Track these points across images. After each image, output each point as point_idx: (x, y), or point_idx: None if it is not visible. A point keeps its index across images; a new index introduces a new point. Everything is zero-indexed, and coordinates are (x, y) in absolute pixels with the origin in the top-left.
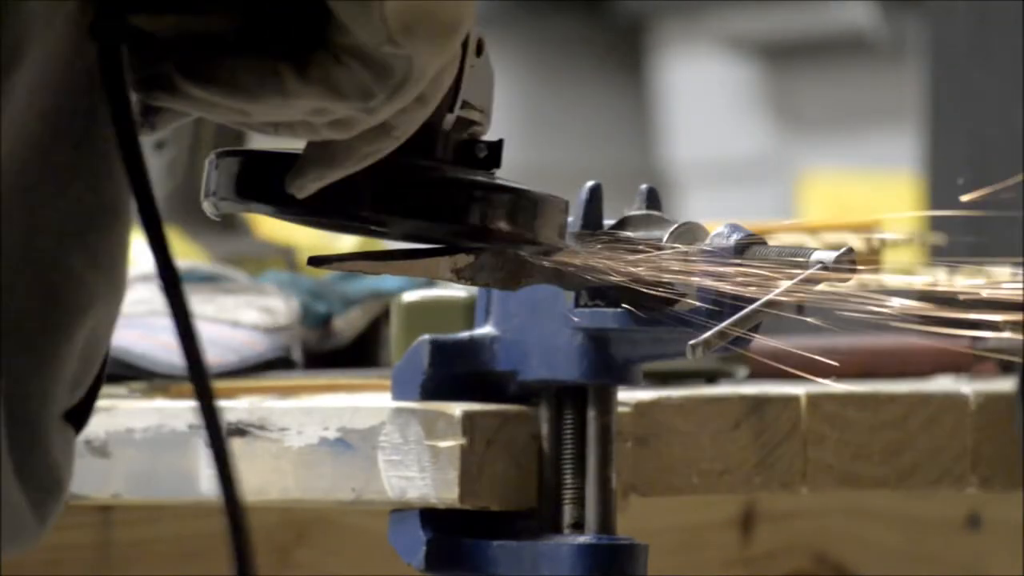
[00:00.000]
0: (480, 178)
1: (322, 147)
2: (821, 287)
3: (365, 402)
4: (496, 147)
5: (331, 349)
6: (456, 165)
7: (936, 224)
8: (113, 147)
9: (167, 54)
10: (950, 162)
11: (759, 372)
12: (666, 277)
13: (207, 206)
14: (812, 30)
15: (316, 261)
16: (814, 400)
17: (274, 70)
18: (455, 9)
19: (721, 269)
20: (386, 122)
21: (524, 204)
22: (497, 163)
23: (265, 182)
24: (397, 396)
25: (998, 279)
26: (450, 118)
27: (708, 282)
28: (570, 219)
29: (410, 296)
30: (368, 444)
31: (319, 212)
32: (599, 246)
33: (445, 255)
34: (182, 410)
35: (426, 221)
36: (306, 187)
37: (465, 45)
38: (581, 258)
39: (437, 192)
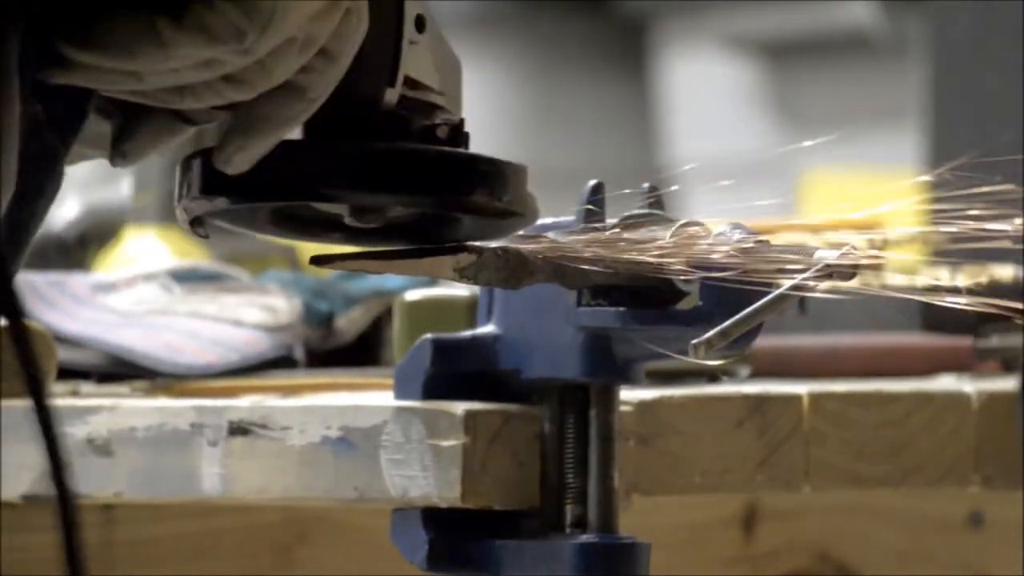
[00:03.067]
0: (450, 149)
1: (239, 118)
2: (824, 286)
3: (367, 401)
4: (458, 128)
5: (333, 348)
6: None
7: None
8: None
9: (52, 28)
10: (952, 161)
11: (761, 371)
12: (668, 273)
13: (179, 214)
14: (814, 29)
15: (318, 260)
16: (816, 399)
17: (150, 23)
18: None
19: (724, 264)
20: (295, 83)
21: (494, 172)
22: (459, 143)
23: (228, 176)
24: (399, 395)
25: (1000, 278)
26: (392, 92)
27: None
28: (572, 218)
29: (412, 295)
30: (370, 443)
31: (289, 194)
32: (599, 243)
33: (448, 254)
34: (184, 409)
35: (402, 194)
36: (231, 159)
37: (398, 16)
38: (582, 254)
39: (410, 163)
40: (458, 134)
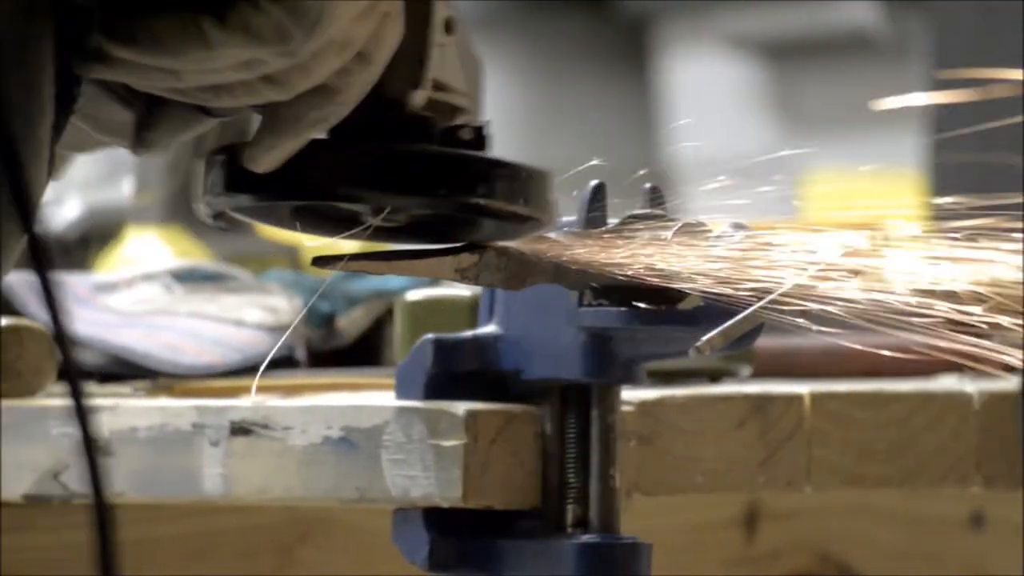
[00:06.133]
0: (471, 153)
1: (271, 117)
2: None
3: (369, 401)
4: (481, 130)
5: (335, 348)
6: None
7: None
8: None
9: (94, 22)
10: (951, 162)
11: (763, 370)
12: (669, 274)
13: (202, 209)
14: (815, 29)
15: (320, 261)
16: (818, 399)
17: (195, 23)
18: None
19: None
20: (329, 85)
21: (513, 177)
22: (482, 145)
23: (251, 173)
24: (401, 395)
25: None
26: (419, 95)
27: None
28: (573, 218)
29: (414, 295)
30: (372, 443)
31: (311, 193)
32: (601, 243)
33: (449, 255)
34: (185, 409)
35: (420, 196)
36: (259, 157)
37: (428, 19)
38: (583, 255)
39: (430, 165)
40: (481, 136)
